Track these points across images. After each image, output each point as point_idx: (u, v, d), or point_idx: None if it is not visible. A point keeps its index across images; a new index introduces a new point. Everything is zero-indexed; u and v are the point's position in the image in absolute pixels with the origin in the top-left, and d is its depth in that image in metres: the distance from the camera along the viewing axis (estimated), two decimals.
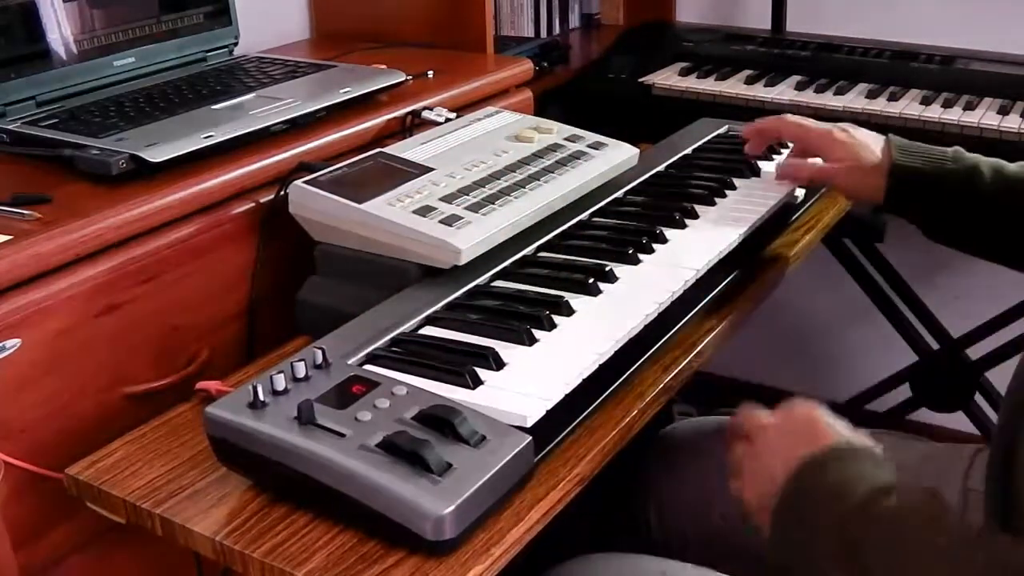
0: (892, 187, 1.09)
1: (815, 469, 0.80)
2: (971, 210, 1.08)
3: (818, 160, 1.19)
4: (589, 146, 1.22)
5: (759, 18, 2.18)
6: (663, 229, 1.10)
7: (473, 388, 0.83)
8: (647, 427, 0.94)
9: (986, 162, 1.08)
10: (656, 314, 0.95)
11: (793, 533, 0.79)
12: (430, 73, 1.45)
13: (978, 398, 2.09)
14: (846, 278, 2.12)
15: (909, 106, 1.73)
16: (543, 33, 2.19)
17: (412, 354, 0.88)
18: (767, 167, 1.29)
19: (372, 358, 0.88)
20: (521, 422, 0.79)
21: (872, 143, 1.13)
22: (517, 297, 0.98)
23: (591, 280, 0.99)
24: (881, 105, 1.74)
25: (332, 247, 1.05)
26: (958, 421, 2.14)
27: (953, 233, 1.11)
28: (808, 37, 2.06)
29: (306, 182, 1.05)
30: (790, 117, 1.21)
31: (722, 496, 1.12)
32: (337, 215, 1.02)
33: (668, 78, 1.92)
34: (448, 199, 1.05)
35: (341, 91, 1.28)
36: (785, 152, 1.38)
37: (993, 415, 2.02)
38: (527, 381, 0.84)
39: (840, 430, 0.85)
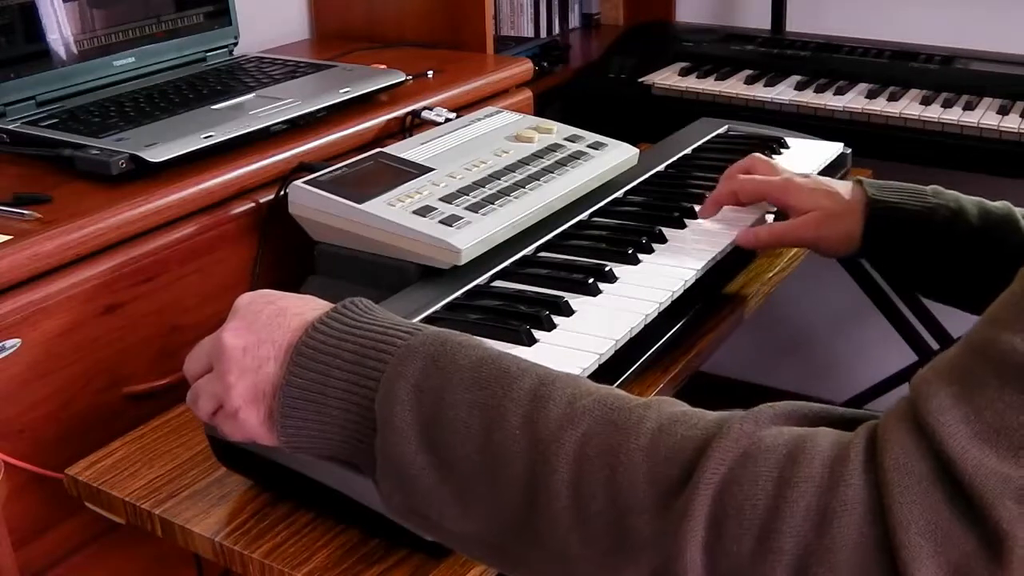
0: (870, 226, 1.00)
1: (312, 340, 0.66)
2: (959, 249, 0.98)
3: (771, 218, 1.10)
4: (589, 146, 1.22)
5: (759, 18, 2.18)
6: (663, 229, 1.10)
7: None
8: None
9: (968, 199, 1.00)
10: (656, 314, 0.95)
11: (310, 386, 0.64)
12: (430, 73, 1.45)
13: None
14: (846, 278, 2.12)
15: (909, 106, 1.73)
16: (543, 33, 2.19)
17: None
18: None
19: None
20: None
21: (838, 187, 1.03)
22: (517, 297, 0.98)
23: (591, 280, 0.99)
24: (881, 105, 1.74)
25: (332, 247, 1.05)
26: None
27: (934, 277, 1.02)
28: (808, 37, 2.06)
29: (306, 182, 1.05)
30: (741, 176, 1.09)
31: None
32: (337, 215, 1.02)
33: (668, 78, 1.92)
34: (448, 199, 1.05)
35: (341, 91, 1.28)
36: (785, 152, 1.38)
37: None
38: None
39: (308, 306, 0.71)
